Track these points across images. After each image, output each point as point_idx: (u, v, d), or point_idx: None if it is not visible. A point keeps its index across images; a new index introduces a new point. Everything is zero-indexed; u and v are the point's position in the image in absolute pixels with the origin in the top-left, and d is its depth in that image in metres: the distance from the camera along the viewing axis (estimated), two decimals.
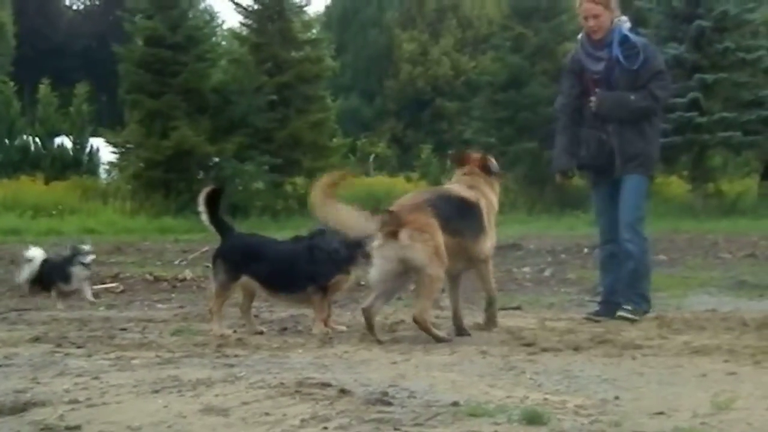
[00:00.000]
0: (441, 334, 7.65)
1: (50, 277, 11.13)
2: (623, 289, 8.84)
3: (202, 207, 8.34)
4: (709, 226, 24.75)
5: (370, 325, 7.65)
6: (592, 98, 8.84)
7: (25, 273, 11.31)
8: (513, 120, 34.34)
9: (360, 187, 34.82)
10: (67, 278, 11.04)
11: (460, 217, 7.81)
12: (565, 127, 9.06)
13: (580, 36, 9.14)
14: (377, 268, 7.59)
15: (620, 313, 8.64)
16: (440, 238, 7.53)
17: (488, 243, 8.03)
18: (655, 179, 32.17)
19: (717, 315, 9.20)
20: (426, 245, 7.45)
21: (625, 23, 8.86)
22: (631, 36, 8.81)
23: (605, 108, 8.79)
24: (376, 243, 7.55)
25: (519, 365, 6.36)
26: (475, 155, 8.47)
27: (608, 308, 8.85)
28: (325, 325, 8.24)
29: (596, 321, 8.66)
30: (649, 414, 4.88)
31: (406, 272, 7.59)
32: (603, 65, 8.83)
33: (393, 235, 7.42)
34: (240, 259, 8.24)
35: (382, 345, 7.40)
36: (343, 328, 8.35)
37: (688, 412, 4.92)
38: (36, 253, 11.39)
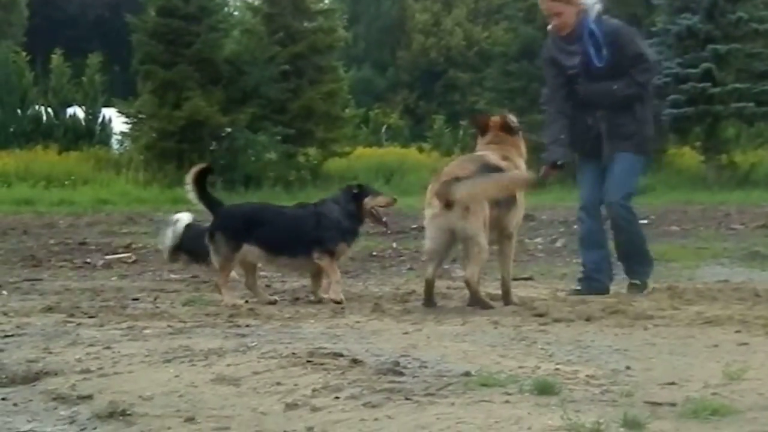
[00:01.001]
0: (488, 301, 7.76)
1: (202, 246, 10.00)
2: (623, 263, 8.79)
3: (189, 186, 8.37)
4: (722, 198, 24.69)
5: (429, 293, 7.81)
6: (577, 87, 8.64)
7: (168, 238, 10.26)
8: (526, 90, 34.22)
9: (372, 158, 34.93)
10: None
11: None
12: (553, 120, 8.77)
13: (549, 27, 8.75)
14: (431, 238, 7.73)
15: (631, 289, 8.62)
16: (488, 210, 7.62)
17: (518, 215, 8.07)
18: (668, 150, 32.16)
19: (729, 286, 9.19)
20: (476, 217, 7.54)
21: (593, 8, 8.43)
22: (596, 29, 8.40)
23: (592, 100, 8.57)
24: (428, 213, 7.65)
25: (530, 335, 6.36)
26: (495, 119, 8.40)
27: (590, 285, 8.65)
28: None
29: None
30: (660, 384, 4.88)
31: (455, 241, 7.70)
32: (578, 60, 8.52)
33: (446, 206, 7.50)
34: (239, 227, 8.25)
35: (433, 310, 7.60)
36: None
37: (699, 382, 4.91)
38: (181, 216, 10.38)
